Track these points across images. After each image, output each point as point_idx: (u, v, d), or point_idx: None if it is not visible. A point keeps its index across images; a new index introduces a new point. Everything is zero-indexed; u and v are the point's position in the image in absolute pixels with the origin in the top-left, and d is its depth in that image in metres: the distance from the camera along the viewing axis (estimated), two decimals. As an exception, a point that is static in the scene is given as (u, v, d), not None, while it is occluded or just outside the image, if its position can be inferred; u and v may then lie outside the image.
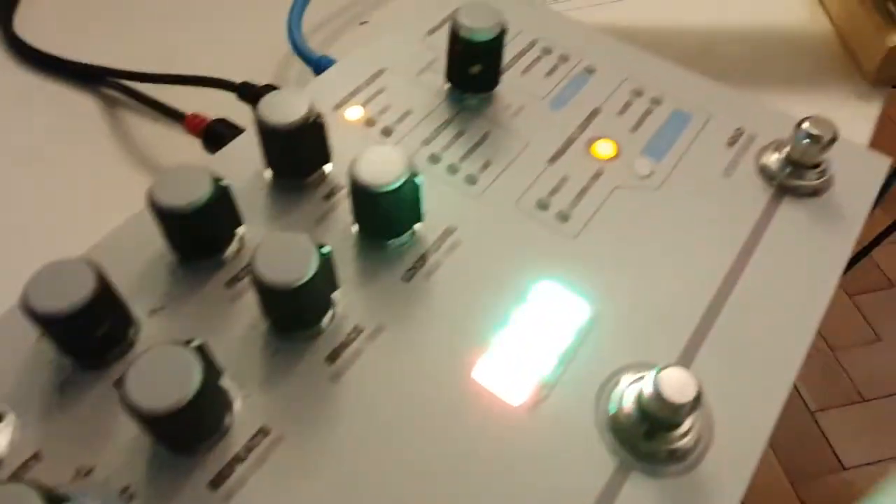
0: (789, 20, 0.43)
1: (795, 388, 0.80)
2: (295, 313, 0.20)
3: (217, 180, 0.21)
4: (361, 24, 0.45)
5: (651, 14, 0.43)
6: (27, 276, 0.19)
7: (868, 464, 0.89)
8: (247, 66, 0.37)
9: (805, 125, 0.25)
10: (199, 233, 0.21)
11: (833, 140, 0.25)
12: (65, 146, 0.37)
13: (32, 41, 0.41)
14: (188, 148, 0.35)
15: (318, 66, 0.35)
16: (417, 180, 0.22)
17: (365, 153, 0.21)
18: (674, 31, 0.43)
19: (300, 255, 0.19)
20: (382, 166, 0.21)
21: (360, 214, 0.23)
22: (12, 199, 0.34)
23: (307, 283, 0.19)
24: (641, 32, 0.41)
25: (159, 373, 0.17)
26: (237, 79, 0.35)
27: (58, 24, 0.44)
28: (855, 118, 0.37)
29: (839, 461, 0.89)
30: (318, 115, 0.23)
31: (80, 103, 0.39)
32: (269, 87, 0.34)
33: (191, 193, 0.20)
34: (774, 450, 0.90)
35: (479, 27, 0.25)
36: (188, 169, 0.21)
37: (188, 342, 0.17)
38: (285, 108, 0.23)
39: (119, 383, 0.19)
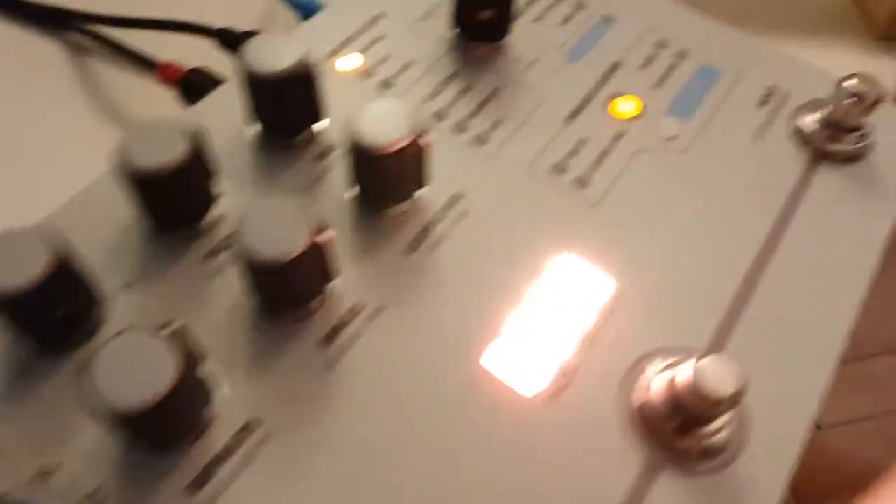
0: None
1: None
2: (286, 291, 0.18)
3: (194, 136, 0.18)
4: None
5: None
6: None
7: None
8: (226, 12, 0.34)
9: (848, 83, 0.22)
10: (175, 198, 0.18)
11: (879, 100, 0.22)
12: (24, 97, 0.33)
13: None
14: (163, 100, 0.32)
15: (306, 10, 0.32)
16: (424, 140, 0.19)
17: (366, 107, 0.19)
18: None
19: (291, 226, 0.17)
20: (386, 123, 0.19)
21: (358, 177, 0.20)
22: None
23: (299, 257, 0.16)
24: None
25: (129, 363, 0.14)
26: (216, 25, 0.31)
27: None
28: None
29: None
30: (311, 63, 0.20)
31: (42, 50, 0.35)
32: (253, 34, 0.31)
33: (164, 153, 0.18)
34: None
35: (490, -34, 0.22)
36: (159, 125, 0.18)
37: (165, 325, 0.15)
38: (273, 54, 0.20)
39: (82, 372, 0.17)
